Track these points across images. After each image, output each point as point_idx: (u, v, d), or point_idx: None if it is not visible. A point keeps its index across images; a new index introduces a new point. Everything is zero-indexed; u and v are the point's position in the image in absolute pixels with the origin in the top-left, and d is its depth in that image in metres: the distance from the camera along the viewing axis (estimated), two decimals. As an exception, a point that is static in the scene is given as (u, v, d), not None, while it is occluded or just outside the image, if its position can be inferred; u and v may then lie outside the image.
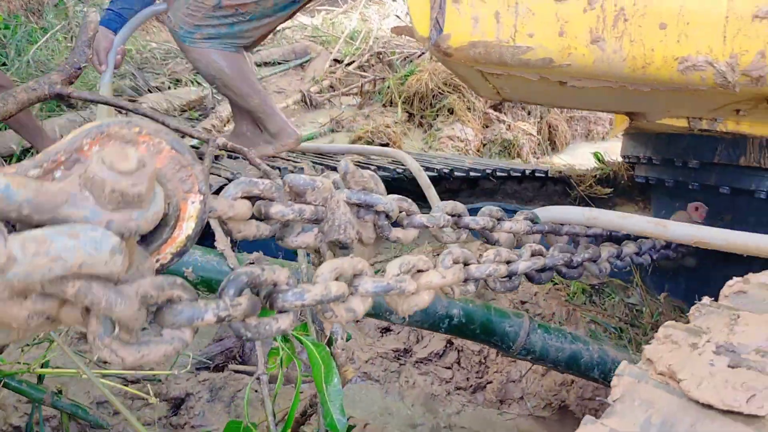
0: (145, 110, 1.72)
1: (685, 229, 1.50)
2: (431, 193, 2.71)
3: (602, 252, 1.66)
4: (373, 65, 6.18)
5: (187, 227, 0.83)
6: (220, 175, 2.51)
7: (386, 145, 4.46)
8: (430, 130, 4.90)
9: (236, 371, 2.12)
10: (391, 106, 5.23)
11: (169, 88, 5.19)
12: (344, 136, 4.75)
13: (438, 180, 2.98)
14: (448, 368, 2.31)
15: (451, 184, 3.23)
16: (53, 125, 3.87)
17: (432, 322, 1.58)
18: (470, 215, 3.15)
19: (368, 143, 4.49)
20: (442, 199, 3.16)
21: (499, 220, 1.52)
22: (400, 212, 1.26)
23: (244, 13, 2.68)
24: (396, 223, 1.25)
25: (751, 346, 0.89)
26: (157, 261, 0.83)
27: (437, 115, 4.98)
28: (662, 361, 0.92)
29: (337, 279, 0.93)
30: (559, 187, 3.45)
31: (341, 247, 1.18)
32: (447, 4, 1.55)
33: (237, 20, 2.68)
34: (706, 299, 1.04)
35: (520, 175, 3.21)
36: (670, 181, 2.65)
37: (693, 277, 2.58)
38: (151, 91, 4.55)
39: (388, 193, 3.17)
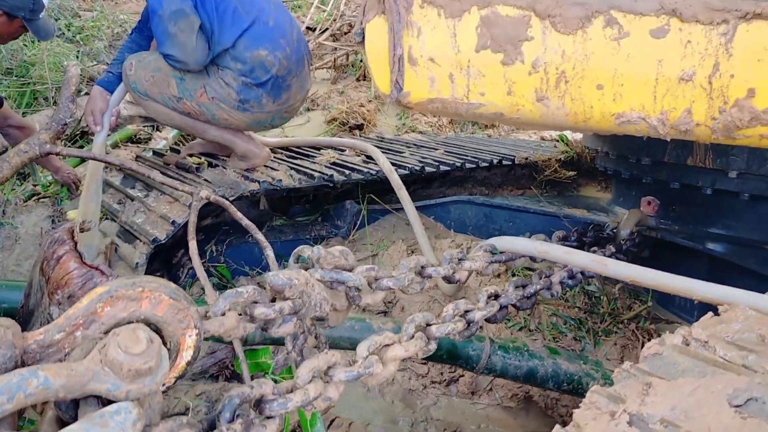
0: (131, 165, 1.85)
1: (622, 268, 1.69)
2: (403, 194, 2.87)
3: (554, 278, 1.85)
4: (345, 33, 6.20)
5: (186, 355, 1.00)
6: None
7: (361, 126, 4.58)
8: (404, 105, 5.02)
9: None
10: (364, 80, 5.31)
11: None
12: (320, 115, 4.85)
13: (411, 175, 3.13)
14: (424, 364, 2.53)
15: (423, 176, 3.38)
16: (33, 122, 3.93)
17: (403, 352, 1.78)
18: (440, 208, 3.30)
19: (343, 123, 4.60)
20: (414, 191, 3.31)
21: (460, 260, 1.69)
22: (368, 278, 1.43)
23: (195, 118, 2.77)
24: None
25: (657, 416, 1.08)
26: (163, 385, 1.00)
27: (410, 89, 5.08)
28: (587, 428, 1.11)
29: (314, 376, 1.11)
30: (526, 171, 3.63)
31: (319, 320, 1.36)
32: (405, 67, 1.68)
33: (187, 115, 2.76)
34: (627, 364, 1.23)
35: (488, 164, 3.37)
36: (626, 173, 2.83)
37: (646, 265, 2.79)
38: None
39: (364, 193, 3.32)
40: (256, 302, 1.17)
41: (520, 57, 1.62)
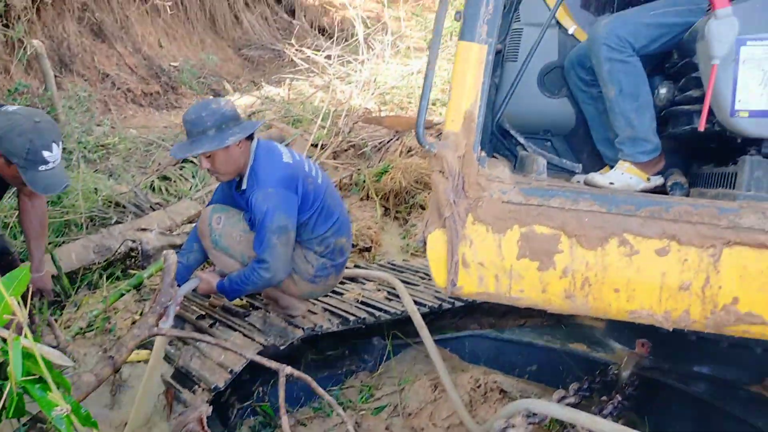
0: (226, 345, 2.19)
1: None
2: (425, 333, 3.24)
3: (578, 435, 2.22)
4: (345, 150, 6.69)
5: None
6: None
7: (369, 248, 4.98)
8: (406, 225, 5.45)
9: None
10: (368, 199, 5.75)
11: (160, 190, 5.59)
12: (329, 236, 5.23)
13: (430, 312, 3.51)
14: None
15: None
16: (69, 252, 4.22)
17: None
18: (456, 341, 3.63)
19: (353, 246, 4.98)
20: (429, 321, 3.66)
21: (505, 429, 2.05)
22: None
23: None
24: None
25: None
26: None
27: (411, 211, 5.54)
28: None
29: None
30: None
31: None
32: (459, 268, 2.08)
33: None
34: None
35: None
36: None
37: (641, 406, 3.15)
38: (153, 209, 4.94)
39: (387, 327, 3.63)
40: None
41: (552, 265, 2.04)
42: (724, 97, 2.07)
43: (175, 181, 5.92)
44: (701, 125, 2.09)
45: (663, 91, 2.53)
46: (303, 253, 2.99)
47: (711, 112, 2.15)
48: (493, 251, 2.07)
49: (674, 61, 2.55)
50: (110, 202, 4.92)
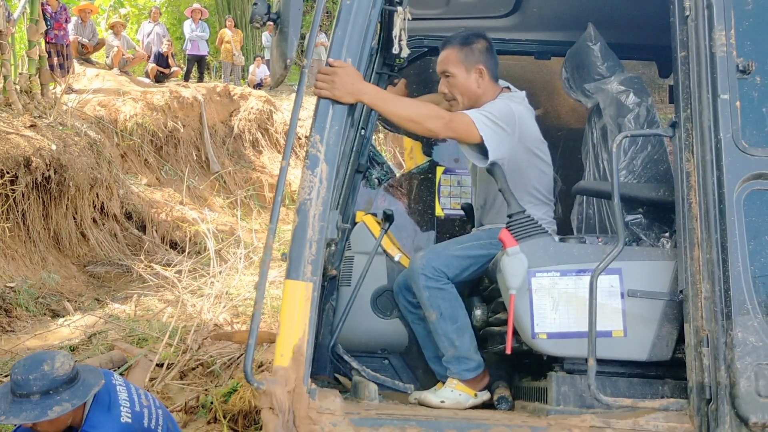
0: None
1: None
2: None
3: None
4: (194, 368, 6.45)
5: None
6: None
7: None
8: (257, 449, 5.21)
9: None
10: (215, 422, 5.48)
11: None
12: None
13: None
14: None
15: None
16: None
17: None
18: None
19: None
20: None
21: None
22: None
23: None
24: None
25: None
26: None
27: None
28: None
29: None
30: None
31: None
32: None
33: None
34: None
35: None
36: None
37: None
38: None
39: None
40: None
41: (385, 497, 2.05)
42: (524, 321, 2.33)
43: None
44: (508, 348, 2.30)
45: (478, 312, 2.78)
46: None
47: (517, 333, 2.39)
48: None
49: (486, 285, 2.84)
50: None
